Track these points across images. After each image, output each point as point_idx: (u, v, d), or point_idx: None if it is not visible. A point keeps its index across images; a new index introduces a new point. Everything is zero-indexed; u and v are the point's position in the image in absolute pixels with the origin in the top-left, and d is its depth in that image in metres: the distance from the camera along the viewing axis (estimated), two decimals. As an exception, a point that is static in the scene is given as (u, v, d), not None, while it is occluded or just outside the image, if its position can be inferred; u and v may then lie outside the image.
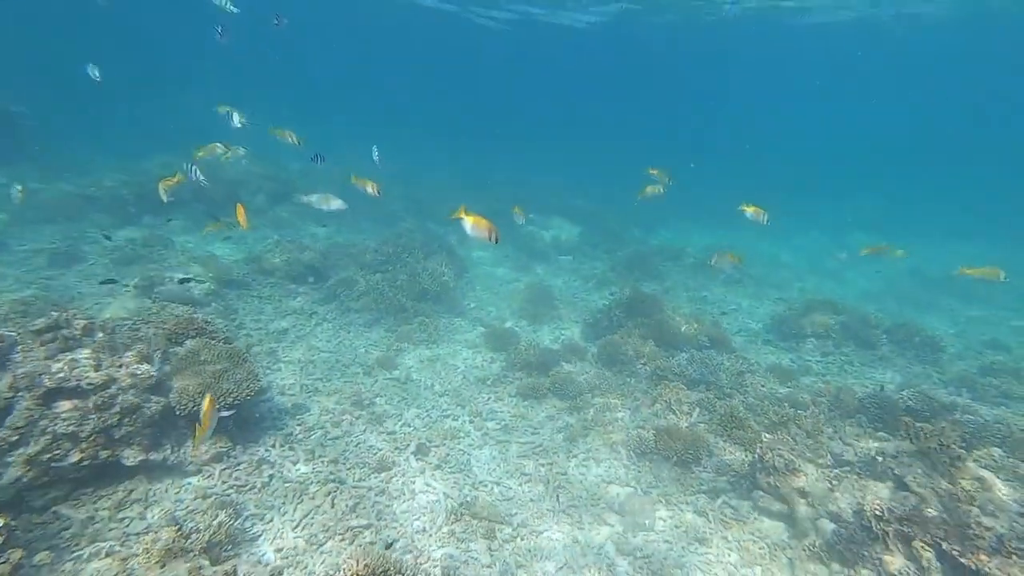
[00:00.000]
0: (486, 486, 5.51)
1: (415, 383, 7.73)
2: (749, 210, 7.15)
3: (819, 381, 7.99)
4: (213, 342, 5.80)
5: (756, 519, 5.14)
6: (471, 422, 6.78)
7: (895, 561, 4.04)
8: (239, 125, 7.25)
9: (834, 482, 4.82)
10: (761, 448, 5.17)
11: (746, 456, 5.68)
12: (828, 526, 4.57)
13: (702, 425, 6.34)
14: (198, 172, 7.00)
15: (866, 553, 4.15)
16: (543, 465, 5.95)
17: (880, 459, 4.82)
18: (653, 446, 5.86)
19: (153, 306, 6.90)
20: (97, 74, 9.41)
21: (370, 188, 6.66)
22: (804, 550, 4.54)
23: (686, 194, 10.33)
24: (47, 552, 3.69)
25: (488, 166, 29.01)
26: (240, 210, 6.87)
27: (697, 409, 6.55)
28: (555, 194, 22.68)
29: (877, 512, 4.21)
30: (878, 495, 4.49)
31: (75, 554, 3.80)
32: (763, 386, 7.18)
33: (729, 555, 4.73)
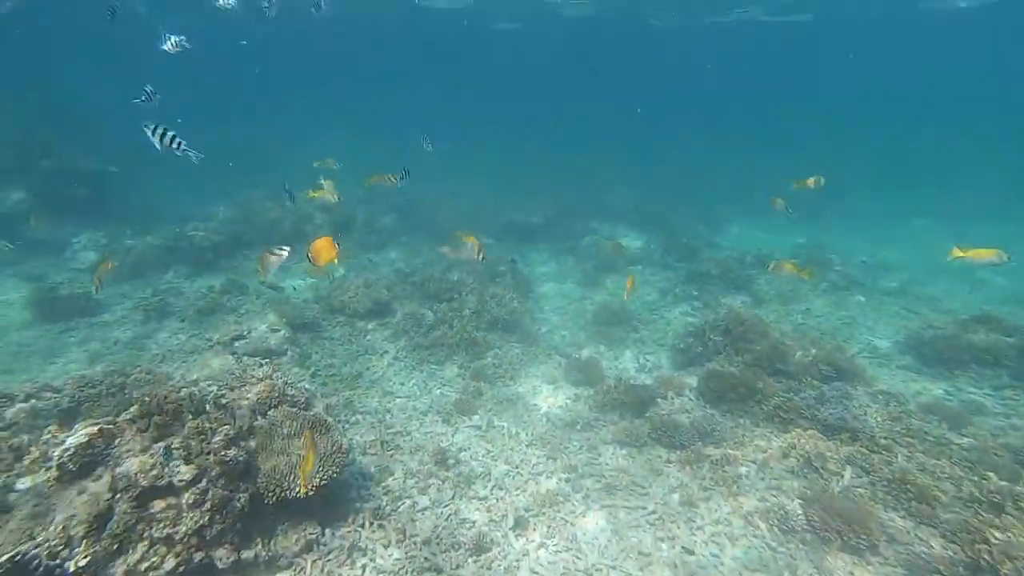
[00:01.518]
0: (600, 571, 4.75)
1: (498, 431, 7.12)
2: (982, 257, 5.70)
3: (1007, 427, 6.38)
4: (294, 410, 5.48)
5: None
6: (568, 481, 6.05)
7: None
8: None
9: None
10: (990, 556, 3.93)
11: (945, 549, 4.42)
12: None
13: (861, 490, 5.18)
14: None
15: None
16: (663, 540, 5.10)
17: None
18: (804, 521, 4.82)
19: (236, 367, 6.78)
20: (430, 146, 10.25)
21: (477, 252, 6.53)
22: None
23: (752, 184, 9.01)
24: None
25: (523, 170, 27.45)
26: (326, 249, 4.90)
27: (849, 468, 5.38)
28: (610, 193, 21.36)
29: None
30: None
31: None
32: (929, 434, 5.79)
33: None
